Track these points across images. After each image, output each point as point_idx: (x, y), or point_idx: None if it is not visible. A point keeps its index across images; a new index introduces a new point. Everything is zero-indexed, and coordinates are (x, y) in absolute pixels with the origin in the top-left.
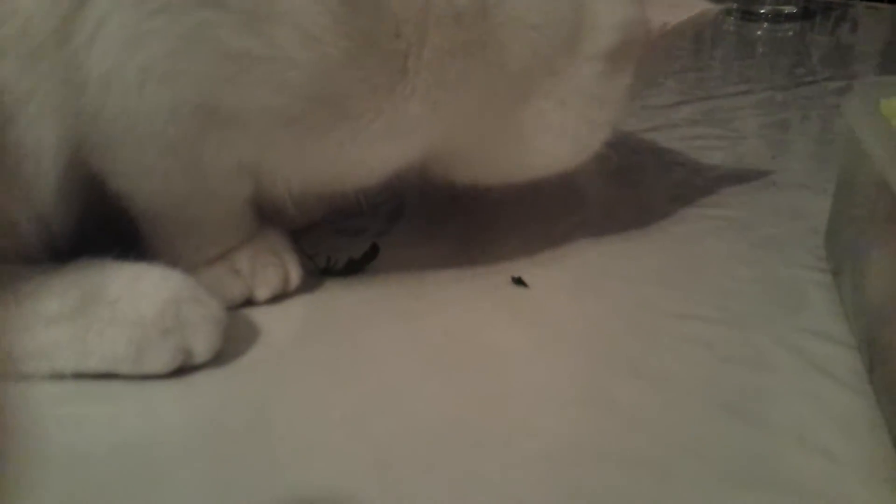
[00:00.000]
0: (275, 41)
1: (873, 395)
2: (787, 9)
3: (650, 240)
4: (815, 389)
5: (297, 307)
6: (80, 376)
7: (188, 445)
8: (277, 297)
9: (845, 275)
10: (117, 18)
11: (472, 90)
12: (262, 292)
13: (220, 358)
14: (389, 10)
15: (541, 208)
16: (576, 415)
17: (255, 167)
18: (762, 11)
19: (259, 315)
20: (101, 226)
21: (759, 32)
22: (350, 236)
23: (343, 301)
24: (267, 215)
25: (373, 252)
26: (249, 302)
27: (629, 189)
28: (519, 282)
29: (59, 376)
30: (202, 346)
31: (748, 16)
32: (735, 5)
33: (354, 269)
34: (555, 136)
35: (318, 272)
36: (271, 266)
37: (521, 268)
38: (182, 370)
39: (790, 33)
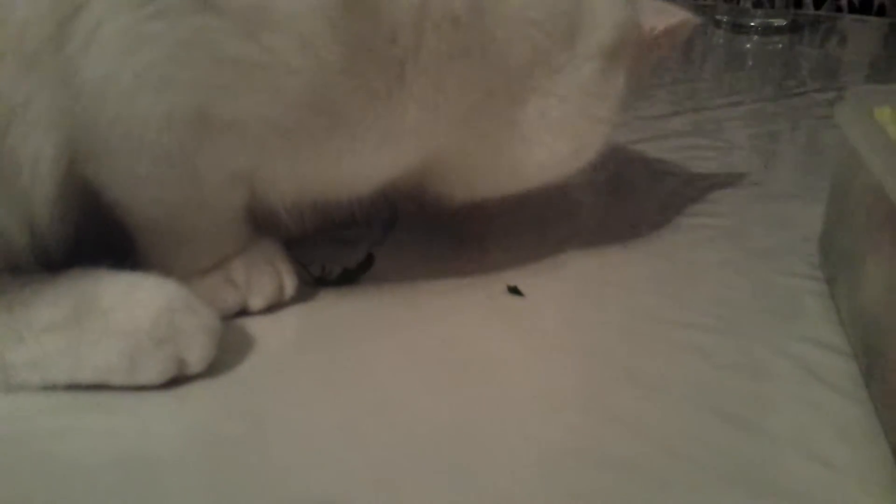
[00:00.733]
0: (272, 48)
1: (870, 403)
2: (777, 21)
3: (644, 249)
4: (811, 397)
5: (291, 317)
6: (73, 387)
7: (183, 455)
8: (272, 307)
9: (840, 282)
10: (113, 23)
11: (472, 92)
12: (256, 302)
13: (214, 368)
14: (386, 15)
15: (535, 218)
16: (572, 422)
17: (250, 176)
18: (752, 24)
19: (254, 325)
20: (95, 235)
21: (748, 45)
22: (345, 246)
23: (338, 311)
24: (261, 225)
25: (368, 262)
26: (244, 311)
27: (622, 199)
28: (514, 291)
29: (51, 387)
30: (196, 356)
31: (738, 28)
32: (725, 18)
33: (349, 278)
34: (556, 134)
35: (313, 282)
36: (266, 275)
37: (517, 277)
38: (176, 380)
39: (780, 45)
